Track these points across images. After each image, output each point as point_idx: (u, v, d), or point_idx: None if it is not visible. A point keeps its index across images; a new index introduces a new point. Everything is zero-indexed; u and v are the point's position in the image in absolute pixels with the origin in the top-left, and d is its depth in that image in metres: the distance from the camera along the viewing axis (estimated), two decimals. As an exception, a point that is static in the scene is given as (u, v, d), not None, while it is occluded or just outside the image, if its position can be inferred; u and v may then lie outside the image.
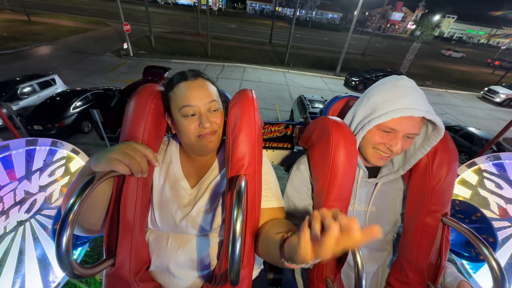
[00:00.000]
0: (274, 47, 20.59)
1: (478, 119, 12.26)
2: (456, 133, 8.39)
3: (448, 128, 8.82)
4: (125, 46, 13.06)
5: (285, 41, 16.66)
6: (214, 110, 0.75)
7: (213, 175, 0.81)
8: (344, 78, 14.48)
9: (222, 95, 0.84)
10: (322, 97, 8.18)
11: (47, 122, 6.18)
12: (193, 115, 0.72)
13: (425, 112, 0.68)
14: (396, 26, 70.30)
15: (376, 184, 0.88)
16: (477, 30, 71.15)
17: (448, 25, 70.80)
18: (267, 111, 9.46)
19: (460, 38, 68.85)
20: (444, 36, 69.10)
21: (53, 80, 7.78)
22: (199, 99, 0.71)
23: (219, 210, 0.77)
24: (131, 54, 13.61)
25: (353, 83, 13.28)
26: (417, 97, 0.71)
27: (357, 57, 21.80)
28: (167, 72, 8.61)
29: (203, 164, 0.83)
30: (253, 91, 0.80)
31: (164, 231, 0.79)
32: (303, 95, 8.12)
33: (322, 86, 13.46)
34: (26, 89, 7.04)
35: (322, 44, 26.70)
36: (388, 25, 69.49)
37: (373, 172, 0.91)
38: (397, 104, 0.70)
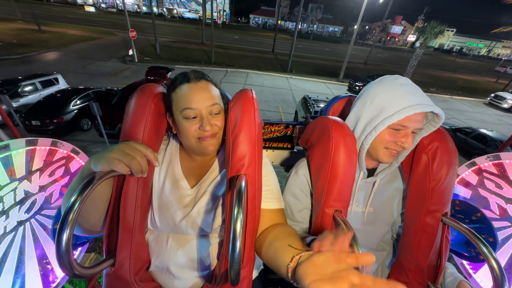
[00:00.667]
0: (276, 56, 20.95)
1: (487, 124, 12.12)
2: (468, 135, 7.97)
3: (459, 130, 8.50)
4: (130, 52, 13.28)
5: (287, 51, 16.95)
6: (216, 113, 0.74)
7: (213, 176, 0.81)
8: (347, 83, 14.61)
9: (224, 96, 0.84)
10: (326, 98, 8.11)
11: (46, 117, 5.99)
12: (194, 117, 0.71)
13: (432, 107, 0.69)
14: (396, 39, 71.78)
15: (374, 183, 0.88)
16: (477, 43, 72.25)
17: (448, 38, 72.00)
18: (271, 113, 9.50)
19: (460, 50, 69.77)
20: (444, 48, 70.13)
21: (56, 79, 7.65)
22: (201, 102, 0.71)
23: (219, 210, 0.76)
24: (136, 60, 13.87)
25: (357, 88, 13.34)
26: (421, 93, 0.73)
27: (360, 66, 22.06)
28: (170, 73, 8.57)
29: (203, 164, 0.83)
30: (253, 91, 0.80)
31: (164, 232, 0.79)
32: (307, 95, 7.98)
33: (326, 91, 13.50)
34: (28, 88, 6.85)
35: (324, 54, 27.12)
36: (388, 38, 70.98)
37: (371, 172, 0.91)
38: (406, 101, 0.70)
